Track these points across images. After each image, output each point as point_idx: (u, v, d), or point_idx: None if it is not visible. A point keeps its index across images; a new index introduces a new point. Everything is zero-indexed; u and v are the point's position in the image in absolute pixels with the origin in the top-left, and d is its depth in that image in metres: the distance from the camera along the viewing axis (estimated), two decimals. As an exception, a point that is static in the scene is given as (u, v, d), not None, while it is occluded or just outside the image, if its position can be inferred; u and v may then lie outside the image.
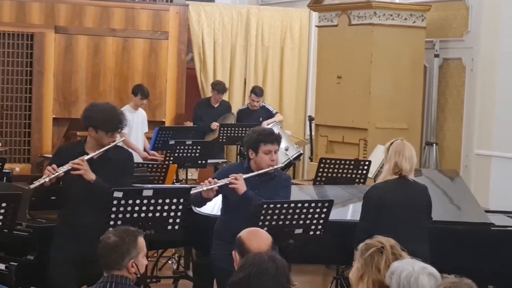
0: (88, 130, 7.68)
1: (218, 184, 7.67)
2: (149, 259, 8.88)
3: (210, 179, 7.81)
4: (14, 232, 7.45)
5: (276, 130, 10.11)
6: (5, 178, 10.84)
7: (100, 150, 7.57)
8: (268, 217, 7.56)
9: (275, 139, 7.84)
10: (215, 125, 14.83)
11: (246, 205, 7.57)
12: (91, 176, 7.42)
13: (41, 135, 15.96)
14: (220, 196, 7.95)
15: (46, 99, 15.94)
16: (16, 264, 7.71)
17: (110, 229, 5.76)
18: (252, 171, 7.79)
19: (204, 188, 7.70)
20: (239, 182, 7.60)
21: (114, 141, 7.65)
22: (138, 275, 5.77)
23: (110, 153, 7.64)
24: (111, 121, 7.60)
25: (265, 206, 7.56)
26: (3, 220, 7.04)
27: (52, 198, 7.80)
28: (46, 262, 7.79)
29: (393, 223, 7.52)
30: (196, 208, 8.39)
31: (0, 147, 14.36)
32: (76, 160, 7.42)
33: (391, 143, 8.22)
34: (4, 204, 7.06)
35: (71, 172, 7.42)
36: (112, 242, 5.55)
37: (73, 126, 15.76)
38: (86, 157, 7.48)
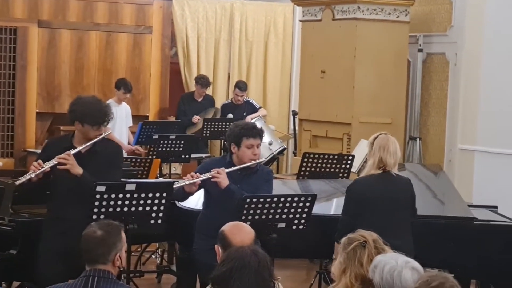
0: (75, 124, 7.66)
1: (200, 178, 7.67)
2: (132, 253, 8.89)
3: (192, 173, 7.81)
4: (-2, 227, 7.46)
5: (260, 124, 10.19)
6: (-13, 173, 10.86)
7: (87, 144, 7.56)
8: (251, 211, 7.57)
9: (258, 133, 7.84)
10: (196, 118, 14.87)
11: (229, 199, 7.58)
12: (78, 170, 7.40)
13: (24, 130, 15.94)
14: (202, 191, 7.96)
15: (29, 94, 15.92)
16: (-1, 259, 7.73)
17: (93, 223, 5.74)
18: (235, 165, 7.78)
19: (187, 182, 7.69)
20: (221, 176, 7.59)
21: (100, 135, 7.64)
22: (121, 269, 5.79)
23: (98, 147, 7.62)
24: (97, 114, 7.57)
25: (248, 200, 7.56)
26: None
27: (33, 192, 7.80)
28: (29, 256, 7.80)
29: (376, 217, 7.54)
30: (179, 202, 8.41)
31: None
32: (62, 155, 7.40)
33: (375, 138, 8.23)
34: (-13, 199, 7.07)
35: (58, 167, 7.42)
36: (99, 236, 5.53)
37: (57, 120, 15.79)
38: (73, 151, 7.46)
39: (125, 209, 7.54)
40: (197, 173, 7.77)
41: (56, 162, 7.41)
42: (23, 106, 15.89)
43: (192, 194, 7.92)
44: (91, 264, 5.53)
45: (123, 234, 5.66)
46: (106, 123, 7.70)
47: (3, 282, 7.84)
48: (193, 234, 8.05)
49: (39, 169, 7.39)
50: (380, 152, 8.03)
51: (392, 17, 13.67)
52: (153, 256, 11.73)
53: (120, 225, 5.70)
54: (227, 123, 13.91)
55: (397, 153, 8.11)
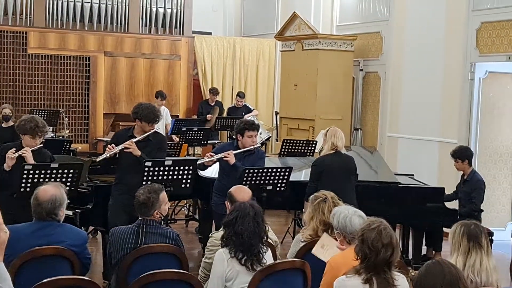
0: (136, 121, 7.73)
1: (216, 157, 7.82)
2: (169, 207, 8.91)
3: (210, 153, 8.00)
4: (78, 189, 7.47)
5: (253, 119, 10.30)
6: (71, 153, 10.85)
7: (144, 135, 7.62)
8: (249, 178, 7.66)
9: (256, 127, 7.97)
10: (209, 116, 14.88)
11: (234, 171, 7.68)
12: (137, 152, 7.47)
13: (95, 124, 15.92)
14: (217, 164, 8.05)
15: (98, 100, 15.90)
16: (79, 211, 7.74)
17: (141, 188, 5.80)
18: (239, 149, 7.87)
19: (207, 160, 7.89)
20: (230, 156, 7.71)
21: (153, 129, 7.70)
22: (162, 218, 5.84)
23: (151, 137, 7.67)
24: (152, 116, 7.63)
25: (247, 171, 7.65)
26: (71, 181, 7.06)
27: (112, 167, 7.86)
28: (99, 209, 7.83)
29: (332, 182, 7.58)
30: (201, 172, 8.48)
31: (68, 133, 14.35)
32: (127, 142, 7.49)
33: (328, 130, 8.39)
34: (71, 171, 7.08)
35: (124, 150, 7.48)
36: (142, 200, 5.60)
37: (117, 118, 15.84)
38: (134, 140, 7.54)
39: (165, 177, 7.57)
40: (214, 153, 7.92)
41: (123, 147, 7.48)
42: (94, 108, 15.88)
43: (210, 166, 8.13)
44: (141, 215, 5.60)
45: (162, 195, 5.71)
46: (157, 121, 7.76)
47: (82, 226, 7.85)
48: (211, 193, 8.13)
49: (112, 151, 7.49)
50: (332, 139, 8.16)
51: (342, 47, 13.65)
52: (182, 209, 11.76)
53: (160, 188, 5.77)
54: (232, 120, 13.97)
55: (343, 139, 8.25)
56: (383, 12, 13.42)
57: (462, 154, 9.22)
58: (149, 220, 5.59)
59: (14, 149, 6.95)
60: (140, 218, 5.63)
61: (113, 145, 7.58)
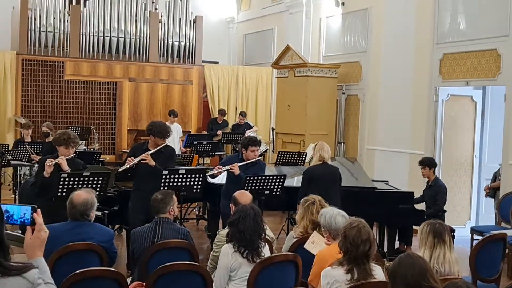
0: (149, 136, 7.72)
1: (224, 169, 7.83)
2: (182, 208, 8.88)
3: (219, 165, 8.03)
4: (106, 194, 7.46)
5: (254, 135, 10.29)
6: (101, 163, 10.84)
7: (157, 148, 7.59)
8: (250, 184, 7.64)
9: (257, 143, 8.00)
10: (219, 132, 14.86)
11: (239, 180, 7.64)
12: (152, 163, 7.45)
13: (121, 139, 15.94)
14: (224, 173, 8.04)
15: (123, 118, 15.92)
16: (107, 212, 7.73)
17: (157, 192, 5.84)
18: (244, 161, 7.88)
19: (215, 171, 7.91)
20: (235, 168, 7.72)
21: (164, 143, 7.69)
22: (174, 216, 5.85)
23: (162, 149, 7.65)
24: (163, 132, 7.63)
25: (248, 178, 7.64)
26: (100, 187, 7.04)
27: (128, 174, 7.82)
28: (123, 210, 7.83)
29: (319, 188, 7.53)
30: (210, 179, 8.46)
31: (98, 146, 14.35)
32: (143, 154, 7.47)
33: (316, 144, 8.39)
34: (100, 178, 7.06)
35: (141, 161, 7.47)
36: (159, 198, 5.62)
37: (139, 134, 15.83)
38: (149, 152, 7.52)
39: (179, 183, 7.56)
40: (222, 165, 7.95)
41: (140, 158, 7.47)
42: (120, 125, 15.90)
43: (219, 175, 8.11)
44: (156, 214, 5.60)
45: (174, 197, 5.75)
46: (168, 136, 7.75)
47: (109, 225, 7.84)
48: (219, 196, 8.13)
49: (132, 162, 7.47)
50: (320, 151, 8.15)
51: (327, 74, 13.65)
52: (194, 210, 11.73)
53: (172, 193, 5.81)
54: (236, 135, 14.00)
55: (329, 152, 8.26)
56: (362, 45, 13.42)
57: (428, 163, 9.29)
58: (164, 217, 5.61)
59: (52, 158, 6.95)
60: (156, 217, 5.63)
61: (132, 157, 7.57)
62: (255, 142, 7.95)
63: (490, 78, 10.25)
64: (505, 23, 9.90)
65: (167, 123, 13.10)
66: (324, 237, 5.16)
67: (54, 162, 6.85)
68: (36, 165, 9.88)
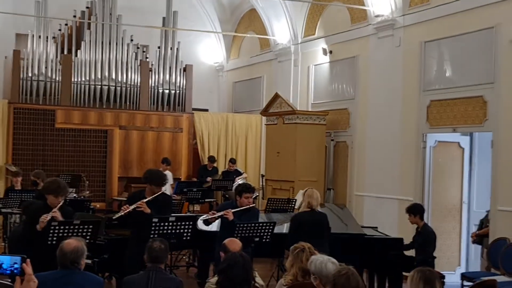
0: (146, 184, 7.73)
1: (217, 215, 7.81)
2: (172, 254, 8.82)
3: (213, 211, 8.05)
4: (96, 241, 7.41)
5: (243, 181, 10.29)
6: (91, 211, 10.79)
7: (153, 196, 7.58)
8: (240, 231, 7.59)
9: (251, 190, 7.99)
10: (209, 179, 14.84)
11: (233, 227, 7.60)
12: (147, 210, 7.45)
13: (111, 186, 15.92)
14: (217, 221, 8.01)
15: (114, 166, 15.92)
16: (97, 260, 7.67)
17: (155, 239, 5.74)
18: (238, 207, 7.85)
19: (209, 217, 7.88)
20: (229, 214, 7.69)
21: (161, 191, 7.67)
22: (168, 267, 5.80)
23: (159, 197, 7.64)
24: (159, 180, 7.65)
25: (238, 225, 7.61)
26: (90, 235, 7.00)
27: (115, 222, 7.78)
28: (113, 258, 7.77)
29: (308, 235, 7.48)
30: (202, 227, 8.41)
31: (88, 193, 14.29)
32: (139, 202, 7.48)
33: (306, 190, 8.40)
34: (91, 226, 7.02)
35: (137, 209, 7.46)
36: (162, 248, 5.55)
37: (129, 181, 15.81)
38: (145, 200, 7.52)
39: (169, 231, 7.53)
40: (216, 211, 7.94)
41: (135, 206, 7.46)
42: (110, 173, 15.91)
43: (213, 222, 8.05)
44: (153, 262, 5.54)
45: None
46: (164, 184, 7.76)
47: (99, 273, 7.77)
48: (208, 244, 8.09)
49: (127, 210, 7.47)
50: (308, 199, 8.18)
51: (316, 121, 13.73)
52: (184, 257, 11.64)
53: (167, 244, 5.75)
54: (226, 182, 13.99)
55: (318, 199, 8.26)
56: (350, 92, 13.54)
57: (414, 210, 9.22)
58: (158, 267, 5.54)
59: (46, 214, 6.87)
60: (150, 265, 5.57)
61: (127, 205, 7.57)
62: (249, 189, 7.94)
63: (477, 125, 10.33)
64: (490, 70, 10.03)
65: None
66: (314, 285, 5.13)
67: (49, 217, 6.80)
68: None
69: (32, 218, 6.85)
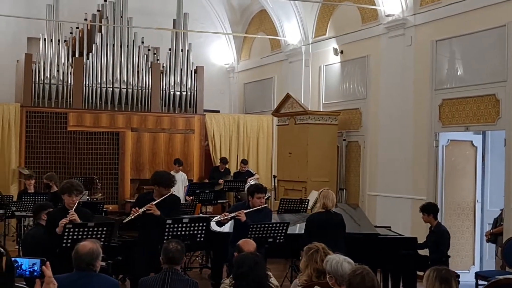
0: (154, 186, 7.75)
1: (230, 216, 7.82)
2: (186, 256, 8.84)
3: (226, 212, 8.04)
4: (110, 243, 7.44)
5: (255, 182, 10.32)
6: (104, 213, 10.83)
7: (162, 198, 7.62)
8: (253, 232, 7.60)
9: (263, 191, 8.02)
10: (221, 181, 14.86)
11: (246, 227, 7.61)
12: (157, 212, 7.49)
13: (123, 188, 15.95)
14: (230, 223, 8.03)
15: (126, 168, 15.96)
16: (111, 262, 7.69)
17: (171, 241, 5.68)
18: (250, 208, 7.86)
19: (222, 218, 7.87)
20: (242, 215, 7.70)
21: (169, 192, 7.70)
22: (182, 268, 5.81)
23: (167, 198, 7.67)
24: (167, 182, 7.68)
25: (251, 226, 7.62)
26: (105, 237, 7.03)
27: (138, 224, 7.81)
28: (127, 260, 7.80)
29: (322, 236, 7.48)
30: (215, 228, 8.42)
31: (101, 196, 14.35)
32: (148, 205, 7.52)
33: (321, 191, 8.38)
34: (105, 228, 7.06)
35: (146, 211, 7.48)
36: (179, 249, 5.52)
37: (142, 183, 15.81)
38: (154, 202, 7.54)
39: (183, 232, 7.56)
40: (229, 212, 7.94)
41: (145, 209, 7.49)
42: (122, 175, 15.93)
43: (226, 223, 8.08)
44: (169, 263, 5.52)
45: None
46: (172, 186, 7.77)
47: (113, 275, 7.80)
48: (222, 245, 8.10)
49: (136, 213, 7.50)
50: (324, 199, 8.18)
51: (328, 122, 13.73)
52: (197, 258, 11.66)
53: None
54: (237, 183, 14.01)
55: (334, 200, 8.25)
56: (362, 92, 13.53)
57: (428, 209, 9.22)
58: (174, 268, 5.55)
59: (65, 218, 6.90)
60: (166, 267, 5.56)
61: (137, 208, 7.59)
62: (261, 189, 7.96)
63: (490, 123, 10.30)
64: (502, 68, 9.99)
65: (172, 172, 13.28)
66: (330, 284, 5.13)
67: (67, 221, 6.83)
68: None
69: (51, 223, 6.89)
